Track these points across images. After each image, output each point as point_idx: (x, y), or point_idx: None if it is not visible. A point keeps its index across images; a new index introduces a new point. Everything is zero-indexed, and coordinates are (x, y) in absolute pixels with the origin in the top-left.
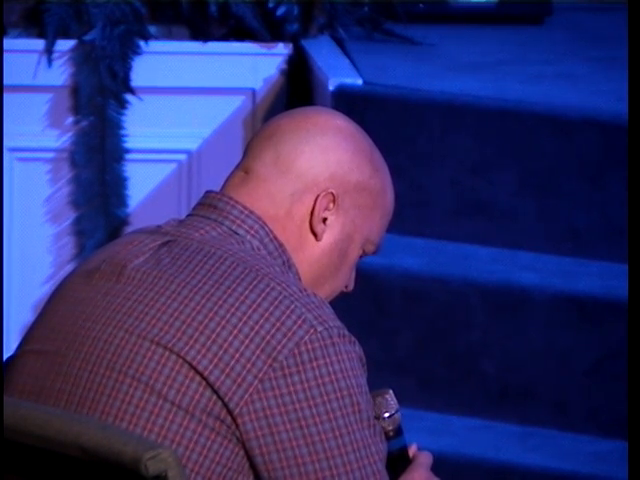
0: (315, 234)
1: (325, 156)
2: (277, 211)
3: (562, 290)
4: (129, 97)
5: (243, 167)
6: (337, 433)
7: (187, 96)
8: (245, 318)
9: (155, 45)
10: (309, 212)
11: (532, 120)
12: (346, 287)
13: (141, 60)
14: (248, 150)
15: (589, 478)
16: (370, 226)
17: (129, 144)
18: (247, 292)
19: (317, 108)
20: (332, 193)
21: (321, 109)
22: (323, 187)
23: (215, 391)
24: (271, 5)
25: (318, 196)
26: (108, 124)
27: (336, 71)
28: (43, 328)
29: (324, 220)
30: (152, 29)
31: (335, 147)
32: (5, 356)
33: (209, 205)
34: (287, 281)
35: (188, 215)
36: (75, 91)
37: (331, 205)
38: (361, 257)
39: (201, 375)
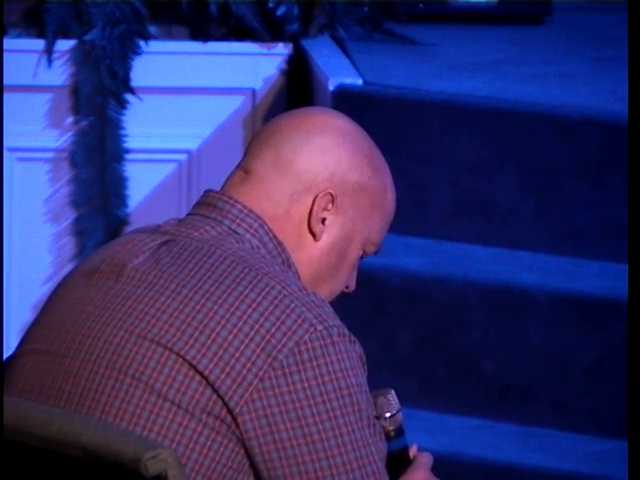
0: (314, 234)
1: (324, 156)
2: (276, 211)
3: (562, 290)
4: (129, 97)
5: (243, 167)
6: (337, 432)
7: (187, 96)
8: (245, 317)
9: (155, 45)
10: (307, 212)
11: (532, 120)
12: (347, 287)
13: (141, 60)
14: (248, 150)
15: (589, 478)
16: (370, 227)
17: (129, 144)
18: (247, 291)
19: (318, 108)
20: (330, 193)
21: (321, 109)
22: (322, 187)
23: (215, 390)
24: (271, 5)
25: (316, 196)
26: (108, 124)
27: (336, 71)
28: (43, 328)
29: (323, 220)
30: (152, 29)
31: (334, 147)
32: (5, 356)
33: (208, 204)
34: (287, 280)
35: (188, 214)
36: (75, 91)
37: (330, 205)
38: (362, 258)
39: (201, 374)
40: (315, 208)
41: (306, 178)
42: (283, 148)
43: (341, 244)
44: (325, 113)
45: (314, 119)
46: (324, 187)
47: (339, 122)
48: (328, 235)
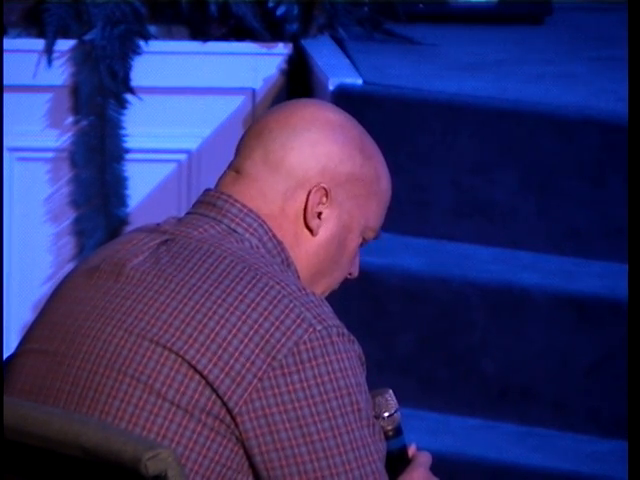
0: (310, 229)
1: (314, 150)
2: (271, 209)
3: (562, 290)
4: (129, 97)
5: (234, 167)
6: (336, 432)
7: (187, 96)
8: (244, 317)
9: (155, 45)
10: (303, 208)
11: (532, 120)
12: (350, 274)
13: (141, 60)
14: (238, 149)
15: (589, 478)
16: (367, 214)
17: (129, 144)
18: (246, 291)
19: (304, 101)
20: (324, 187)
21: (309, 102)
22: (315, 182)
23: (214, 390)
24: (271, 5)
25: (310, 191)
26: (108, 124)
27: (336, 71)
28: (43, 327)
29: (319, 215)
30: (152, 29)
31: (323, 140)
32: (5, 356)
33: (208, 203)
34: (286, 280)
35: (187, 213)
36: (75, 91)
37: (324, 199)
38: (362, 244)
39: (200, 374)
40: (310, 203)
41: (298, 174)
42: (272, 146)
43: (340, 235)
44: (312, 105)
45: (302, 113)
46: (317, 181)
47: (327, 114)
48: (325, 229)
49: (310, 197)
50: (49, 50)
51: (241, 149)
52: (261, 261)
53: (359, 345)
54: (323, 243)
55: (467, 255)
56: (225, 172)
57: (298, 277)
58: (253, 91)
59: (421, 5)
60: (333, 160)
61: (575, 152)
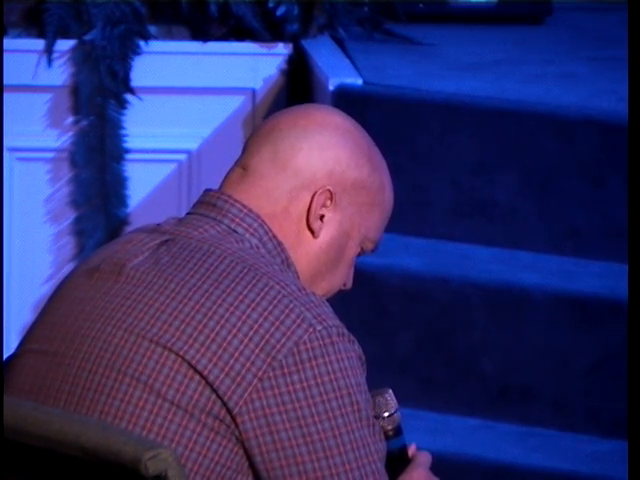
0: (312, 231)
1: (323, 153)
2: (274, 208)
3: (562, 290)
4: (129, 97)
5: (241, 164)
6: (336, 432)
7: (187, 96)
8: (244, 317)
9: (155, 45)
10: (306, 209)
11: (532, 120)
12: (344, 285)
13: (141, 60)
14: (247, 147)
15: (589, 478)
16: (368, 224)
17: (129, 144)
18: (246, 291)
19: (315, 105)
20: (329, 190)
21: (319, 106)
22: (320, 184)
23: (214, 390)
24: (271, 5)
25: (315, 193)
26: (108, 124)
27: (336, 71)
28: (43, 328)
29: (321, 217)
30: (152, 29)
31: (333, 144)
32: (5, 356)
33: (208, 203)
34: (286, 280)
35: (187, 213)
36: (75, 91)
37: (328, 202)
38: (359, 255)
39: (200, 374)
40: (313, 205)
41: (304, 175)
42: (281, 145)
43: (339, 241)
44: (323, 110)
45: (313, 116)
46: (323, 184)
47: (337, 119)
48: (326, 232)
49: (315, 198)
50: (49, 50)
51: (249, 146)
52: (261, 261)
53: (359, 345)
54: (323, 246)
55: (467, 255)
56: (232, 168)
57: (298, 277)
58: (253, 91)
59: (421, 5)
60: (341, 165)
61: (575, 152)
